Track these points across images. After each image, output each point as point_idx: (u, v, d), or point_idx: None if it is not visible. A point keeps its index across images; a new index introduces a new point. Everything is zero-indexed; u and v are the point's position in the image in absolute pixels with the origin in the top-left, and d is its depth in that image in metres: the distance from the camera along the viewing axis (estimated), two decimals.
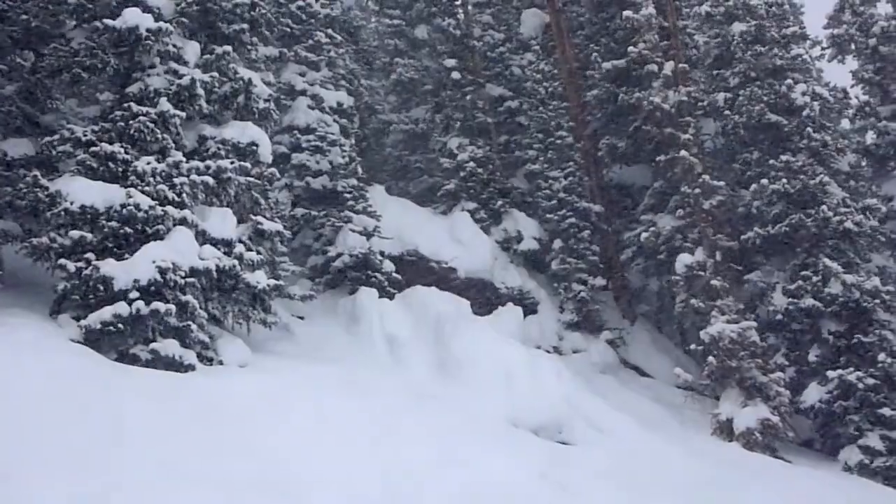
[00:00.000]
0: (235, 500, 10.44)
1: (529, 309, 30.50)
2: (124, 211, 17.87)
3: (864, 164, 35.09)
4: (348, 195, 27.33)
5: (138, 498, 9.75)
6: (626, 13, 31.48)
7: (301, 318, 24.29)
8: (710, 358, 26.21)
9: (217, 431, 12.78)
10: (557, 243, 31.80)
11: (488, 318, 26.66)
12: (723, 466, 21.10)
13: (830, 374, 26.42)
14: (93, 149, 18.48)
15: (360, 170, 28.28)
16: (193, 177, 19.40)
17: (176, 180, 19.00)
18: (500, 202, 33.10)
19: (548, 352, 28.05)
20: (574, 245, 31.66)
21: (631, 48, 31.59)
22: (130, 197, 17.96)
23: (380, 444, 14.61)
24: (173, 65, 20.12)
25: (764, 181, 28.86)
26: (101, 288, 17.26)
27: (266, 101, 21.97)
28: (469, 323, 24.64)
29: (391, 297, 25.65)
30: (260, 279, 19.84)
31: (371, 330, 23.97)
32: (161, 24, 19.56)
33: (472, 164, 32.86)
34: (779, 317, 27.95)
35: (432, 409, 18.75)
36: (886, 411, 25.89)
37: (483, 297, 29.77)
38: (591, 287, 31.40)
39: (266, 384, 16.40)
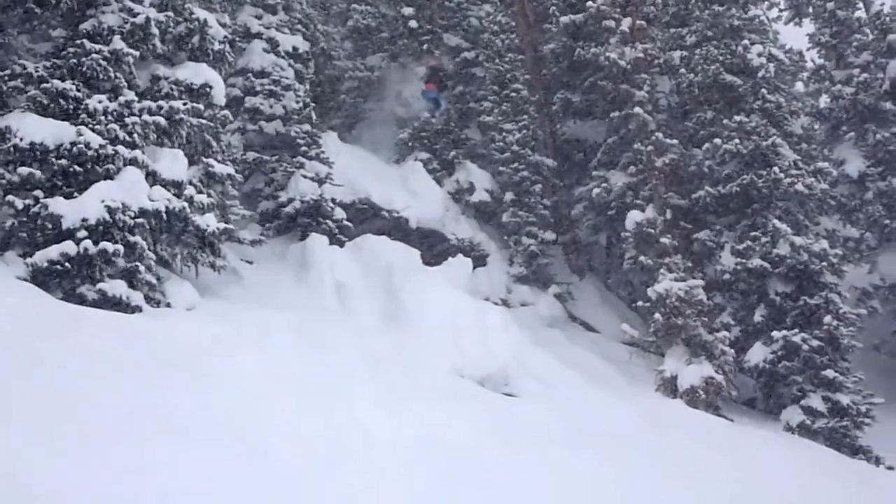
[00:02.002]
0: (191, 450, 10.40)
1: (479, 261, 30.56)
2: (74, 149, 17.65)
3: (816, 127, 35.39)
4: (301, 141, 27.26)
5: (89, 449, 9.66)
6: None
7: (250, 262, 24.19)
8: (657, 315, 26.31)
9: (169, 379, 12.69)
10: (509, 196, 31.84)
11: (438, 268, 26.64)
12: (666, 423, 21.26)
13: (775, 334, 26.61)
14: (44, 85, 18.22)
15: (313, 116, 28.17)
16: (145, 117, 19.18)
17: (127, 120, 18.79)
18: (452, 153, 33.10)
19: (496, 304, 28.04)
20: (525, 198, 31.73)
21: (589, 3, 31.51)
22: (81, 135, 17.74)
23: (330, 396, 14.60)
24: (128, 3, 19.79)
25: (717, 141, 28.96)
26: (49, 226, 17.08)
27: (221, 42, 21.74)
28: (419, 273, 24.65)
29: (342, 244, 25.61)
30: (210, 222, 19.72)
31: (321, 277, 23.90)
32: None
33: (426, 113, 32.79)
34: (726, 276, 28.12)
35: (381, 359, 18.74)
36: (830, 373, 26.13)
37: (433, 247, 29.80)
38: (541, 241, 31.47)
39: (217, 331, 16.27)
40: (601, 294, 33.34)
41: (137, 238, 17.87)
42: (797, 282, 27.62)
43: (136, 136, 18.78)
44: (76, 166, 17.78)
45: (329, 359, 16.80)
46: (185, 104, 19.91)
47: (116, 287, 17.12)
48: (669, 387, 25.50)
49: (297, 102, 27.37)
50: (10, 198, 17.16)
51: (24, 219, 17.15)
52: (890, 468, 24.80)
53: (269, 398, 13.27)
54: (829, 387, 26.11)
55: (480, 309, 24.05)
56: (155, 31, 19.82)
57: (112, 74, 18.86)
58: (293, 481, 10.68)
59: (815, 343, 26.33)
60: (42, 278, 16.68)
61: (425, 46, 34.81)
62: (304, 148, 27.18)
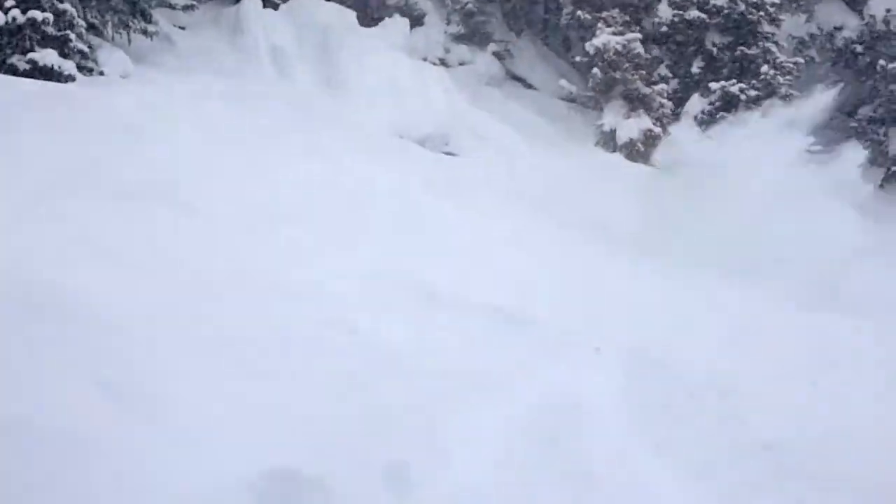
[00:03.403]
0: (129, 206, 10.43)
1: (416, 20, 30.09)
2: None
3: None
4: None
5: (29, 208, 9.67)
6: None
7: (183, 28, 23.76)
8: (595, 70, 26.33)
9: (105, 142, 12.66)
10: None
11: (374, 29, 26.34)
12: (602, 174, 21.61)
13: (713, 85, 26.74)
14: None
15: None
16: None
17: None
18: None
19: (434, 64, 27.89)
20: None
21: None
22: None
23: (268, 155, 14.66)
24: None
25: None
26: None
27: None
28: (355, 34, 24.37)
29: (276, 7, 25.13)
30: None
31: (256, 41, 23.56)
32: None
33: None
34: (664, 28, 28.04)
35: (319, 120, 18.76)
36: None
37: (369, 7, 29.27)
38: None
39: (152, 95, 16.21)
40: (539, 51, 33.14)
41: (66, 5, 17.55)
42: (734, 32, 27.65)
43: None
44: None
45: (266, 121, 16.79)
46: None
47: (48, 56, 16.91)
48: (608, 141, 25.73)
49: None
50: None
51: None
52: None
53: (206, 158, 13.30)
54: None
55: (419, 69, 23.98)
56: None
57: None
58: (234, 238, 10.79)
59: (753, 93, 26.52)
60: None
61: None
62: None
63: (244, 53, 23.31)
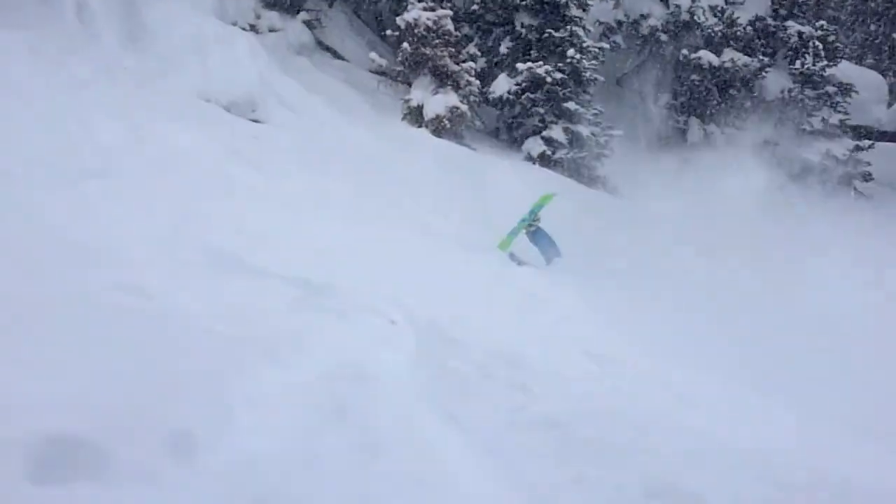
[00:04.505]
0: None
1: None
2: None
3: None
4: None
5: None
6: None
7: None
8: (405, 44, 26.48)
9: None
10: None
11: None
12: (408, 148, 21.78)
13: (520, 66, 27.23)
14: None
15: None
16: None
17: None
18: None
19: (244, 29, 27.64)
20: None
21: None
22: None
23: (68, 112, 14.31)
24: None
25: None
26: None
27: None
28: None
29: None
30: None
31: None
32: None
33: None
34: (474, 7, 28.39)
35: (123, 79, 18.40)
36: (571, 105, 27.04)
37: None
38: None
39: None
40: (351, 22, 33.14)
41: None
42: (543, 15, 28.12)
43: None
44: None
45: (67, 80, 16.39)
46: None
47: None
48: (416, 116, 25.94)
49: None
50: None
51: None
52: None
53: (4, 115, 12.93)
54: (569, 118, 27.03)
55: (228, 34, 23.68)
56: None
57: None
58: (26, 196, 10.52)
59: (559, 75, 27.07)
60: None
61: None
62: None
63: (49, 10, 22.64)
